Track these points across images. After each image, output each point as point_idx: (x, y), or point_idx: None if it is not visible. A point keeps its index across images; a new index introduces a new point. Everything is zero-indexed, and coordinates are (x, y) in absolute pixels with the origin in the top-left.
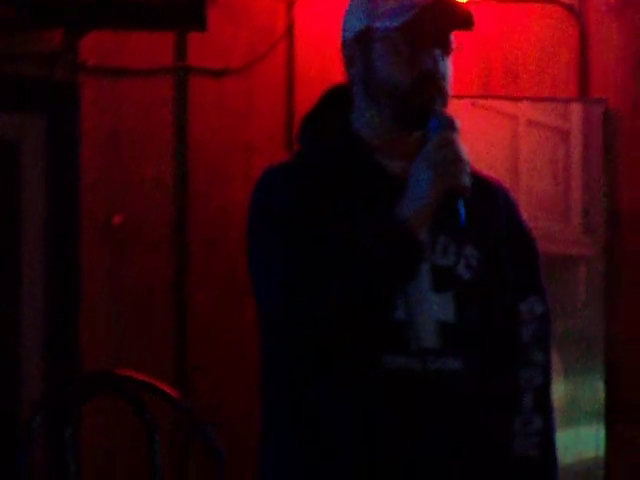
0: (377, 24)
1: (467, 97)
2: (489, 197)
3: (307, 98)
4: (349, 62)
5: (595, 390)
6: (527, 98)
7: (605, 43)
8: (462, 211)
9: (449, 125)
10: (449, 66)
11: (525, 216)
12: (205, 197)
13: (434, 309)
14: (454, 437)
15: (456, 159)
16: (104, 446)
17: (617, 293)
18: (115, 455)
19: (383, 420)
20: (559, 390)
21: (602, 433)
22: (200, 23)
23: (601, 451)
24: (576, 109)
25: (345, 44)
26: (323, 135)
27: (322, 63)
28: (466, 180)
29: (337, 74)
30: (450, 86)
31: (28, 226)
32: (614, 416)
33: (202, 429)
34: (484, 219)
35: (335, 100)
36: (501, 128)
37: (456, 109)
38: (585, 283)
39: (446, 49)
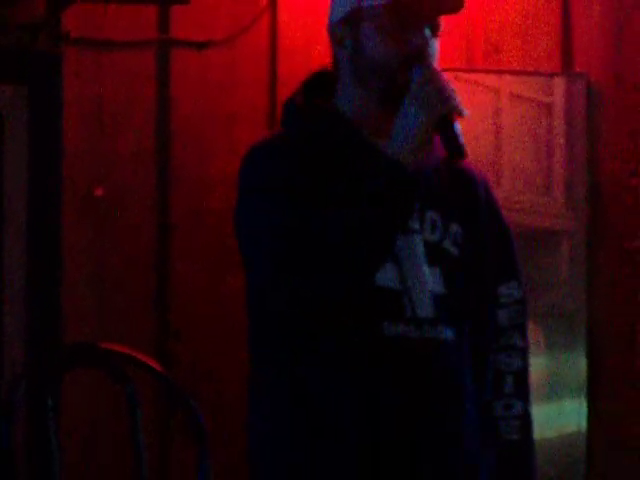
0: (365, 3)
1: (449, 70)
2: (469, 183)
3: (290, 69)
4: (337, 43)
5: (577, 364)
6: (509, 72)
7: (587, 17)
8: (459, 134)
9: (432, 67)
10: (436, 47)
11: (508, 190)
12: (188, 169)
13: (428, 280)
14: (453, 404)
15: (441, 88)
16: (87, 418)
17: (599, 267)
18: (97, 427)
19: (384, 386)
20: (541, 364)
21: (584, 408)
22: None
23: (583, 426)
24: (559, 83)
25: (333, 26)
26: (308, 117)
27: (305, 34)
28: (455, 103)
29: (320, 45)
30: (438, 65)
31: (10, 196)
32: (596, 390)
33: (184, 401)
34: (465, 202)
35: (317, 84)
36: (484, 102)
37: None
38: (567, 257)
39: (435, 30)
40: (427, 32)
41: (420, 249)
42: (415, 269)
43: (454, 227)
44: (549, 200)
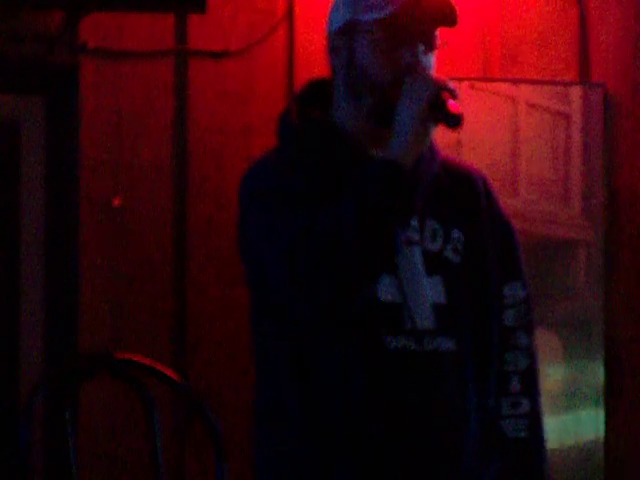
0: (361, 17)
1: (466, 79)
2: (468, 184)
3: (307, 80)
4: (333, 53)
5: (595, 373)
6: (527, 81)
7: (605, 26)
8: (455, 108)
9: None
10: (432, 62)
11: (525, 199)
12: (204, 179)
13: (428, 292)
14: (450, 416)
15: (425, 79)
16: (104, 427)
17: (616, 276)
18: (115, 436)
19: (386, 399)
20: (559, 373)
21: (602, 416)
22: (200, 5)
23: (601, 434)
24: (576, 92)
25: (330, 36)
26: (303, 130)
27: (322, 45)
28: (444, 84)
29: None
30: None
31: (28, 207)
32: (613, 399)
33: (202, 411)
34: (465, 205)
35: (313, 95)
36: (501, 111)
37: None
38: (585, 266)
39: (430, 45)
40: (420, 48)
41: (419, 261)
42: (415, 281)
43: (455, 234)
44: (566, 209)
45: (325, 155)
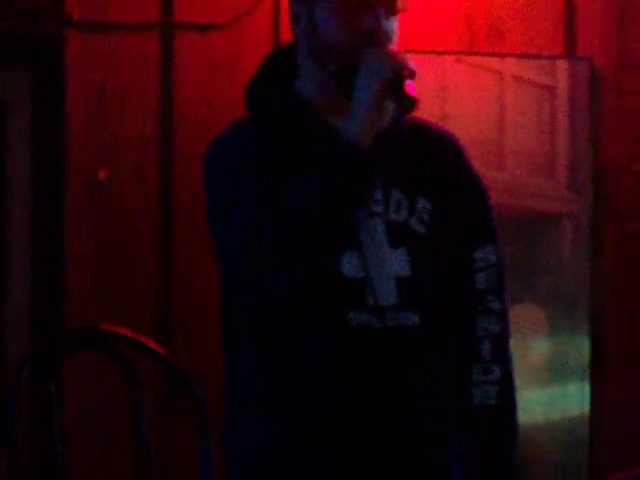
0: None
1: (452, 53)
2: (438, 147)
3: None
4: (294, 21)
5: (580, 347)
6: (512, 55)
7: (590, 0)
8: (412, 90)
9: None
10: (394, 27)
11: (511, 173)
12: (191, 152)
13: (391, 265)
14: (413, 391)
15: (388, 54)
16: (90, 400)
17: (602, 250)
18: (101, 409)
19: (349, 376)
20: (544, 347)
21: (587, 390)
22: None
23: (586, 408)
24: (562, 66)
25: (291, 3)
26: (268, 102)
27: None
28: (404, 64)
29: None
30: (395, 46)
31: (14, 180)
32: (599, 373)
33: (185, 383)
34: (434, 169)
35: (279, 62)
36: (487, 85)
37: (441, 65)
38: (571, 240)
39: (391, 9)
40: (382, 12)
41: (382, 233)
42: (377, 255)
43: (421, 203)
44: (552, 183)
45: (287, 125)
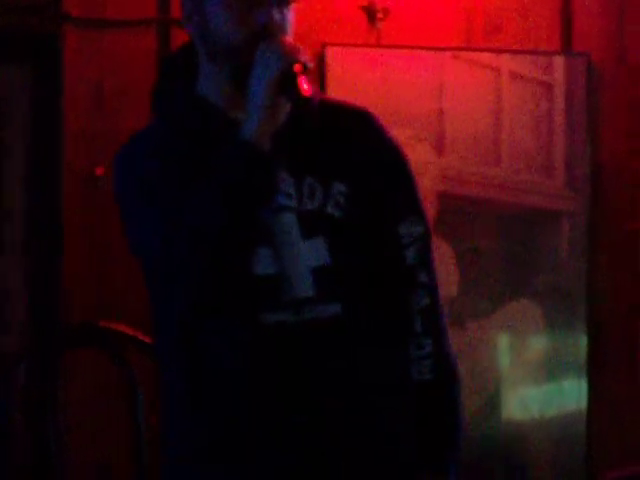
0: None
1: (448, 49)
2: (352, 126)
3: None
4: (187, 20)
5: (577, 344)
6: (509, 51)
7: None
8: (305, 85)
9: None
10: (288, 18)
11: (508, 170)
12: None
13: (305, 257)
14: (341, 382)
15: (279, 48)
16: (87, 398)
17: (600, 247)
18: (97, 407)
19: (264, 376)
20: (541, 344)
21: (584, 386)
22: None
23: (583, 404)
24: (559, 62)
25: (183, 1)
26: (170, 105)
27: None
28: (297, 57)
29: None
30: (290, 37)
31: (11, 176)
32: (596, 369)
33: None
34: (348, 149)
35: (181, 63)
36: (483, 81)
37: (438, 61)
38: (568, 237)
39: (282, 2)
40: (272, 5)
41: (294, 226)
42: (289, 249)
43: (336, 187)
44: (550, 180)
45: (192, 126)
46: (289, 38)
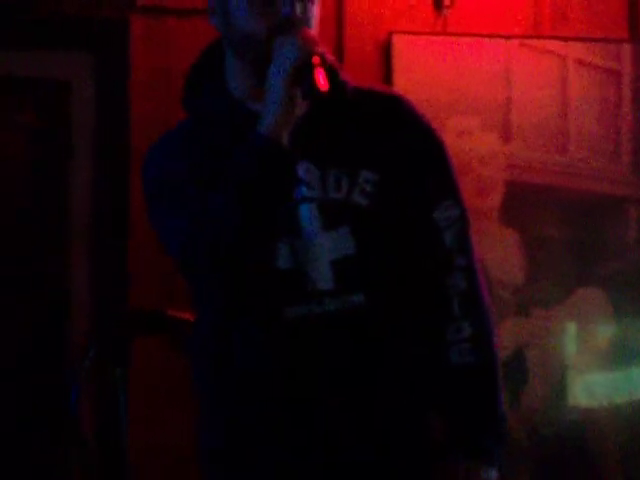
0: None
1: (516, 37)
2: (384, 112)
3: (357, 34)
4: (210, 13)
5: None
6: (577, 39)
7: None
8: (320, 78)
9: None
10: (312, 11)
11: (575, 157)
12: None
13: (327, 249)
14: (365, 373)
15: (296, 43)
16: (154, 385)
17: None
18: (165, 394)
19: (288, 370)
20: (608, 331)
21: None
22: None
23: None
24: (626, 49)
25: None
26: (199, 101)
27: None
28: (315, 50)
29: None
30: (315, 31)
31: (78, 163)
32: None
33: None
34: (380, 137)
35: (211, 59)
36: (550, 68)
37: (505, 49)
38: (634, 223)
39: None
40: None
41: (314, 216)
42: (309, 241)
43: (364, 176)
44: (616, 166)
45: (215, 121)
46: (311, 31)
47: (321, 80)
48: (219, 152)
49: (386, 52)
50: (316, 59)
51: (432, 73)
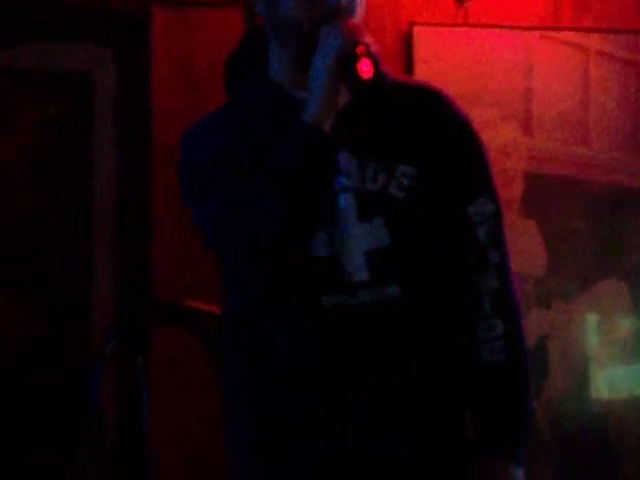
0: None
1: (536, 29)
2: (420, 105)
3: (378, 25)
4: (256, 2)
5: None
6: (598, 30)
7: None
8: (366, 68)
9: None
10: (358, 1)
11: (596, 149)
12: None
13: (361, 239)
14: (401, 362)
15: (340, 32)
16: (174, 375)
17: None
18: (185, 384)
19: (322, 356)
20: (630, 323)
21: None
22: None
23: None
24: None
25: None
26: (241, 86)
27: None
28: (359, 40)
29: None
30: (360, 19)
31: (100, 155)
32: None
33: None
34: (419, 131)
35: (253, 45)
36: (571, 60)
37: (525, 41)
38: None
39: None
40: None
41: (352, 208)
42: (345, 231)
43: (401, 169)
44: (637, 158)
45: (257, 107)
46: (356, 21)
47: (365, 70)
48: (259, 141)
49: (407, 43)
50: (361, 49)
51: (453, 64)
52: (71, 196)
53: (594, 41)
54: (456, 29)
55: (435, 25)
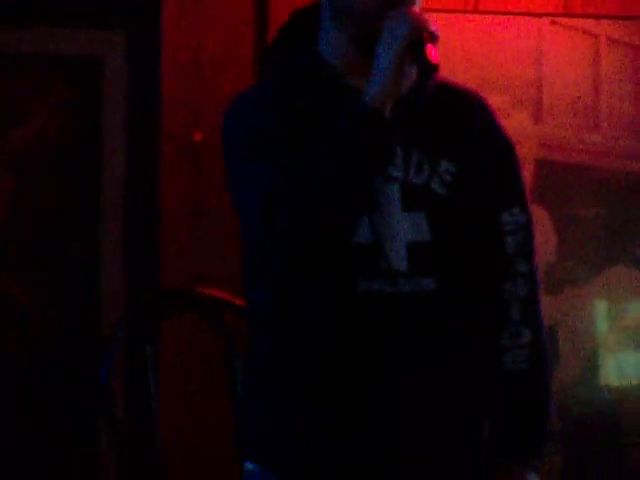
0: None
1: (547, 15)
2: (464, 108)
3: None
4: None
5: None
6: (608, 17)
7: None
8: (433, 53)
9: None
10: None
11: (606, 135)
12: None
13: (404, 230)
14: (432, 357)
15: (407, 18)
16: (185, 363)
17: None
18: (195, 372)
19: (357, 343)
20: (639, 311)
21: None
22: None
23: None
24: None
25: None
26: (290, 59)
27: None
28: (426, 26)
29: None
30: (419, 7)
31: (109, 142)
32: None
33: None
34: (460, 131)
35: (302, 22)
36: (582, 47)
37: (536, 28)
38: None
39: None
40: None
41: (396, 198)
42: (389, 220)
43: (443, 165)
44: None
45: (307, 86)
46: (417, 8)
47: (434, 55)
48: (311, 118)
49: None
50: (427, 35)
51: (463, 51)
52: (80, 184)
53: (605, 28)
54: (467, 16)
55: (446, 12)
